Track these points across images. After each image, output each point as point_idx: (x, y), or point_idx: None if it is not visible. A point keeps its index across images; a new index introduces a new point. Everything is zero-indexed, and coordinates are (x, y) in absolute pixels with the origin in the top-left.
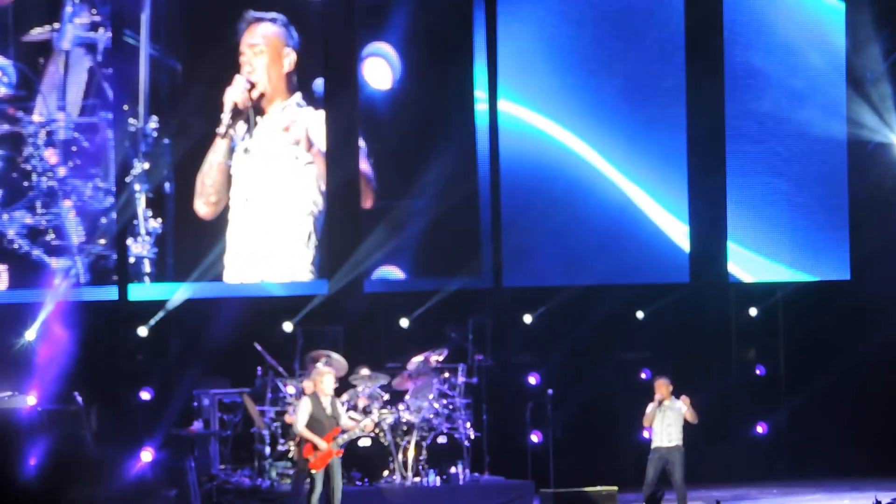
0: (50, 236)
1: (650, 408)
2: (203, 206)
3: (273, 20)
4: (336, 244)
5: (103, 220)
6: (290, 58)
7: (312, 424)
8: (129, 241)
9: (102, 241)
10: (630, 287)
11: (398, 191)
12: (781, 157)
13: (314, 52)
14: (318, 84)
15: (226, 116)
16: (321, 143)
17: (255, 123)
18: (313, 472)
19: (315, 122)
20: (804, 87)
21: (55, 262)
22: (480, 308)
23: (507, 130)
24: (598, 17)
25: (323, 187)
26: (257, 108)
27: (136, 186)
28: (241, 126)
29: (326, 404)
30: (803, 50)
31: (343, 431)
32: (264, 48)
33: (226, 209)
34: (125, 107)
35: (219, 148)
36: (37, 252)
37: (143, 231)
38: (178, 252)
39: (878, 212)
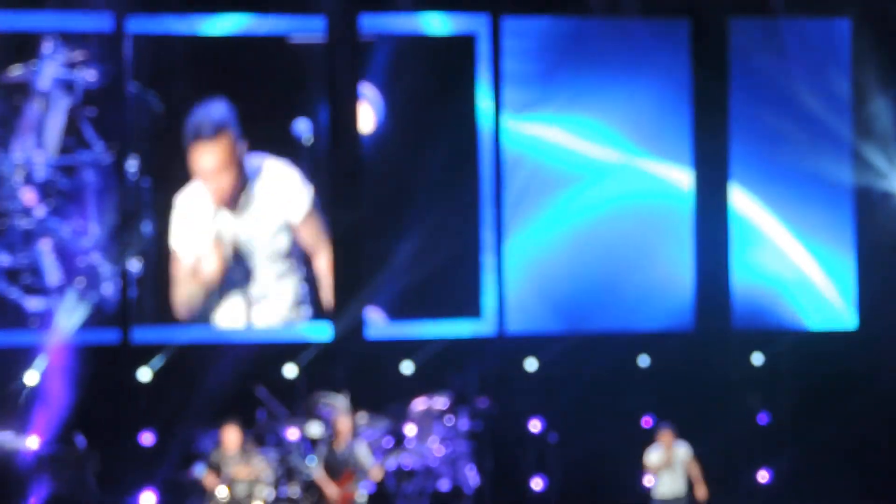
0: (27, 277)
1: (653, 456)
2: (182, 312)
3: (221, 128)
4: (338, 289)
5: (81, 261)
6: (243, 151)
7: (326, 469)
8: (107, 286)
9: (80, 282)
10: (634, 335)
11: (396, 233)
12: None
13: (281, 90)
14: (300, 126)
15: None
16: (300, 203)
17: (228, 242)
18: None
19: (288, 183)
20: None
21: (33, 304)
22: (483, 354)
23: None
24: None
25: (306, 245)
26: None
27: (120, 228)
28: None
29: (340, 449)
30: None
31: (357, 477)
32: (224, 168)
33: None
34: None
35: (190, 274)
36: (14, 294)
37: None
38: (160, 295)
39: (885, 259)
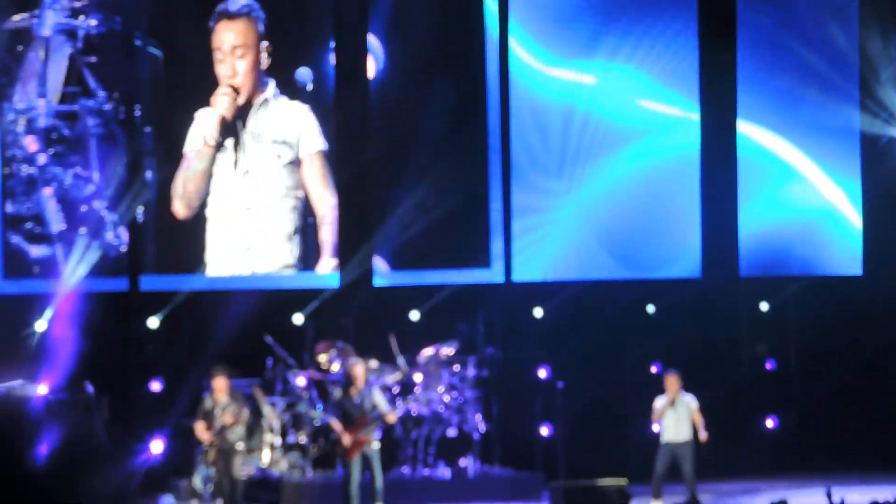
0: (30, 224)
1: (660, 403)
2: (182, 209)
3: (248, 13)
4: (346, 237)
5: (83, 209)
6: (266, 52)
7: (342, 417)
8: (109, 233)
9: (82, 230)
10: (641, 283)
11: (405, 181)
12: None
13: (287, 38)
14: (303, 73)
15: (214, 130)
16: (311, 140)
17: (243, 133)
18: (346, 461)
19: (303, 118)
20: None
21: (35, 251)
22: (490, 302)
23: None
24: None
25: (305, 182)
26: (241, 112)
27: (124, 175)
28: (228, 137)
29: (356, 396)
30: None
31: (371, 422)
32: (245, 51)
33: (203, 206)
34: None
35: (204, 156)
36: (16, 240)
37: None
38: (159, 243)
39: (890, 207)
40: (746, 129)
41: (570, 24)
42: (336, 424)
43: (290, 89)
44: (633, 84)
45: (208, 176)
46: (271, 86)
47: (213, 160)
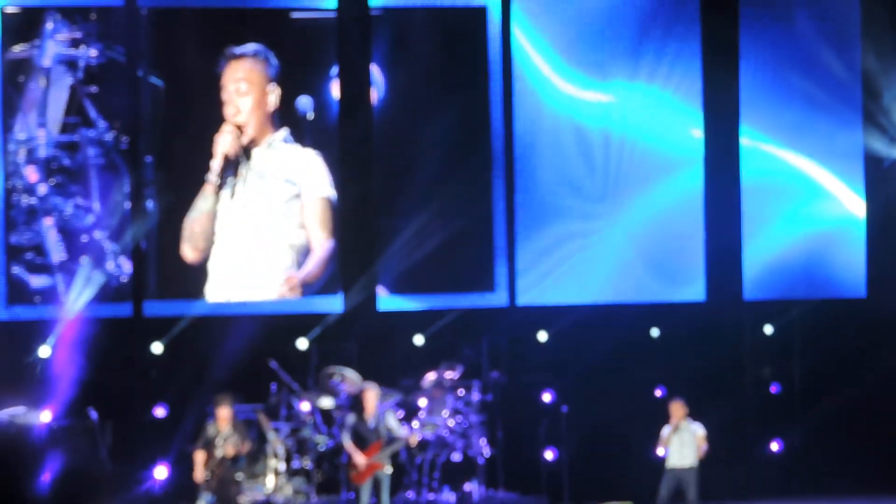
0: (30, 254)
1: (666, 431)
2: (190, 252)
3: (255, 54)
4: (350, 261)
5: (84, 238)
6: (274, 94)
7: (356, 440)
8: (110, 263)
9: (83, 260)
10: (645, 306)
11: (409, 206)
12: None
13: (295, 74)
14: (303, 102)
15: (216, 166)
16: (318, 186)
17: (247, 170)
18: (357, 485)
19: (311, 163)
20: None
21: (36, 281)
22: (495, 326)
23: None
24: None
25: (306, 220)
26: (246, 152)
27: (126, 205)
28: (231, 174)
29: (370, 420)
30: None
31: (386, 446)
32: (249, 88)
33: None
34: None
35: (208, 195)
36: (17, 270)
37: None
38: (160, 272)
39: (894, 229)
40: (749, 144)
41: (596, 43)
42: (350, 446)
43: (300, 133)
44: (646, 101)
45: (213, 216)
46: (283, 131)
47: (217, 200)
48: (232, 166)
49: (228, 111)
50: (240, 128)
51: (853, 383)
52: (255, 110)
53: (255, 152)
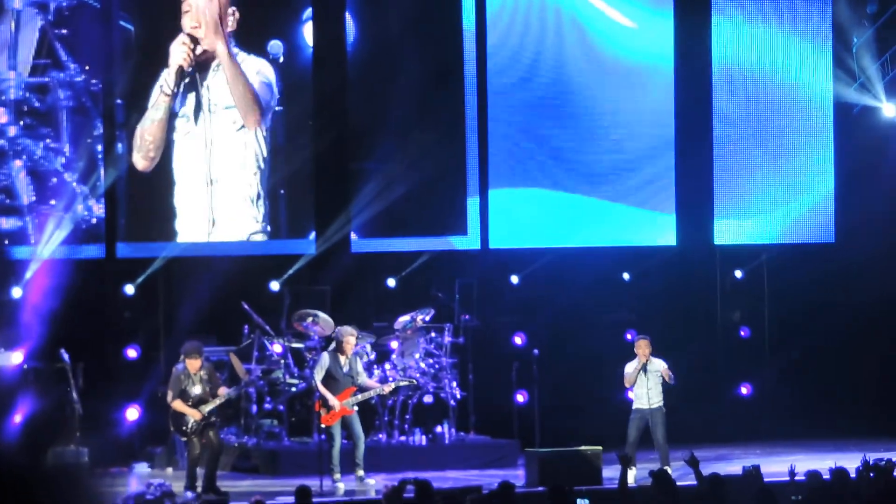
0: (0, 196)
1: (631, 368)
2: (141, 160)
3: None
4: (323, 204)
5: (54, 181)
6: (234, 17)
7: (328, 381)
8: (79, 206)
9: (53, 202)
10: (617, 249)
11: (382, 150)
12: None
13: (259, 10)
14: (274, 46)
15: (170, 75)
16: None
17: (200, 85)
18: (327, 427)
19: (264, 73)
20: (791, 47)
21: (5, 223)
22: (467, 269)
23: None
24: None
25: (264, 148)
26: (201, 65)
27: (98, 147)
28: (186, 87)
29: (344, 363)
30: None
31: (358, 391)
32: (209, 2)
33: (166, 167)
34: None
35: (160, 104)
36: None
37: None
38: (129, 213)
39: (862, 175)
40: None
41: None
42: (323, 389)
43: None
44: None
45: (165, 126)
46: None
47: (169, 109)
48: (186, 77)
49: (186, 22)
50: (194, 39)
51: (821, 328)
52: (213, 24)
53: (209, 72)
